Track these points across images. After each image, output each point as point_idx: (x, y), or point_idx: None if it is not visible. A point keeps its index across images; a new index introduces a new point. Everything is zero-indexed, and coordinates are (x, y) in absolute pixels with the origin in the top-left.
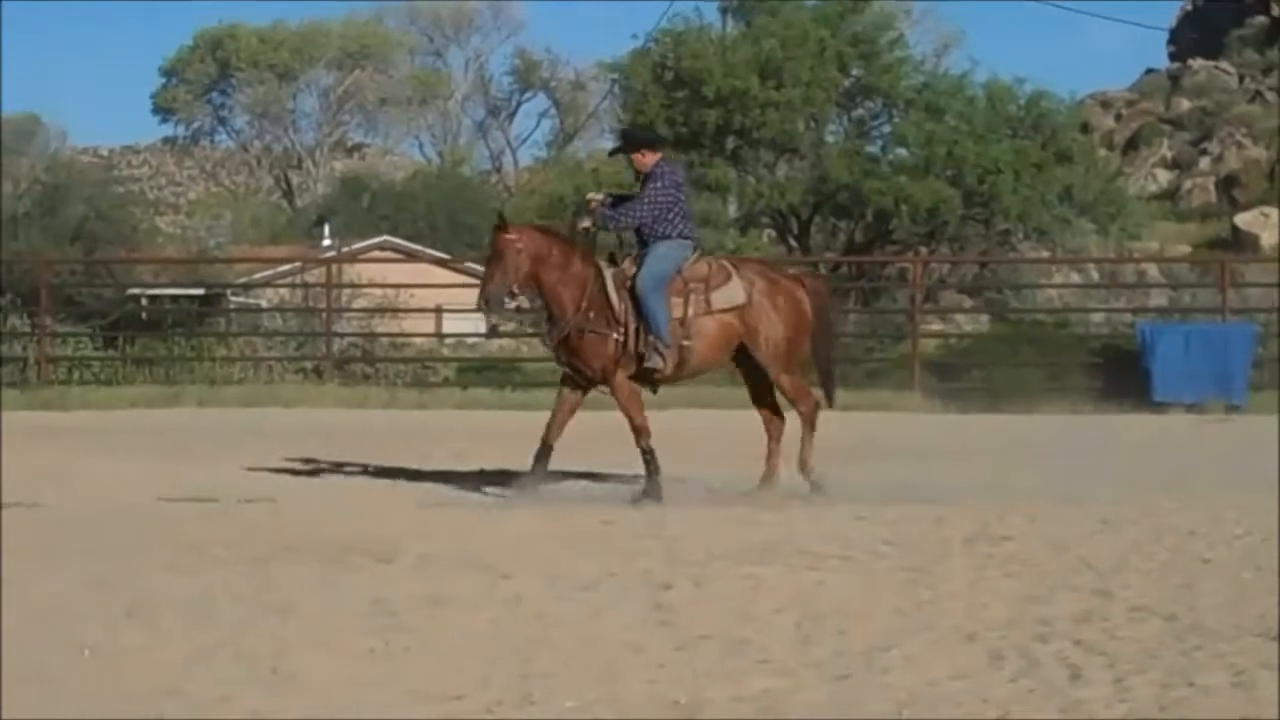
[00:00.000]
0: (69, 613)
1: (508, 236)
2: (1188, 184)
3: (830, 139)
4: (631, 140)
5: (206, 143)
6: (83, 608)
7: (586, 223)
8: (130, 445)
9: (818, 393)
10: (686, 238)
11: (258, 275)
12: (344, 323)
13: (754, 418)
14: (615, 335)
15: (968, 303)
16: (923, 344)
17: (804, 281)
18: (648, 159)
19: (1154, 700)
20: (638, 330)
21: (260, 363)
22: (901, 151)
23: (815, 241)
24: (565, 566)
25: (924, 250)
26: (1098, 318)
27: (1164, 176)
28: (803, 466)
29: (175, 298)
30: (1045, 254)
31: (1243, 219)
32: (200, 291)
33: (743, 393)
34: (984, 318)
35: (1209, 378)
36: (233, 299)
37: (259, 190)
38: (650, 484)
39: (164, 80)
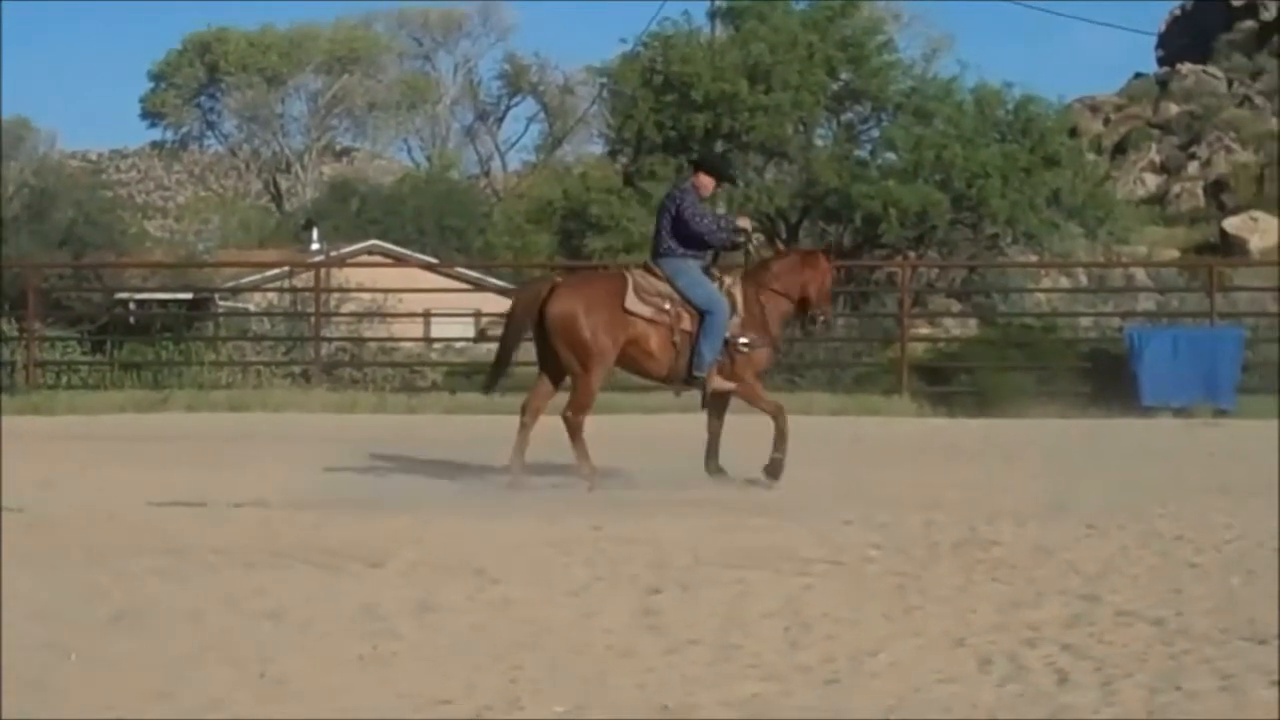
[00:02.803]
0: (57, 618)
1: None
2: (1176, 188)
3: (819, 143)
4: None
5: (195, 147)
6: (71, 613)
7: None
8: (118, 450)
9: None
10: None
11: (246, 279)
12: (332, 327)
13: (745, 421)
14: None
15: (956, 307)
16: (911, 348)
17: None
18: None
19: (1142, 705)
20: None
21: (248, 367)
22: (890, 156)
23: (804, 245)
24: (554, 571)
25: (912, 254)
26: (1086, 322)
27: (1152, 181)
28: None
29: (163, 302)
30: (1033, 258)
31: (1231, 223)
32: (188, 296)
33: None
34: (972, 322)
35: (1197, 382)
36: (221, 303)
37: (247, 194)
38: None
39: (152, 84)
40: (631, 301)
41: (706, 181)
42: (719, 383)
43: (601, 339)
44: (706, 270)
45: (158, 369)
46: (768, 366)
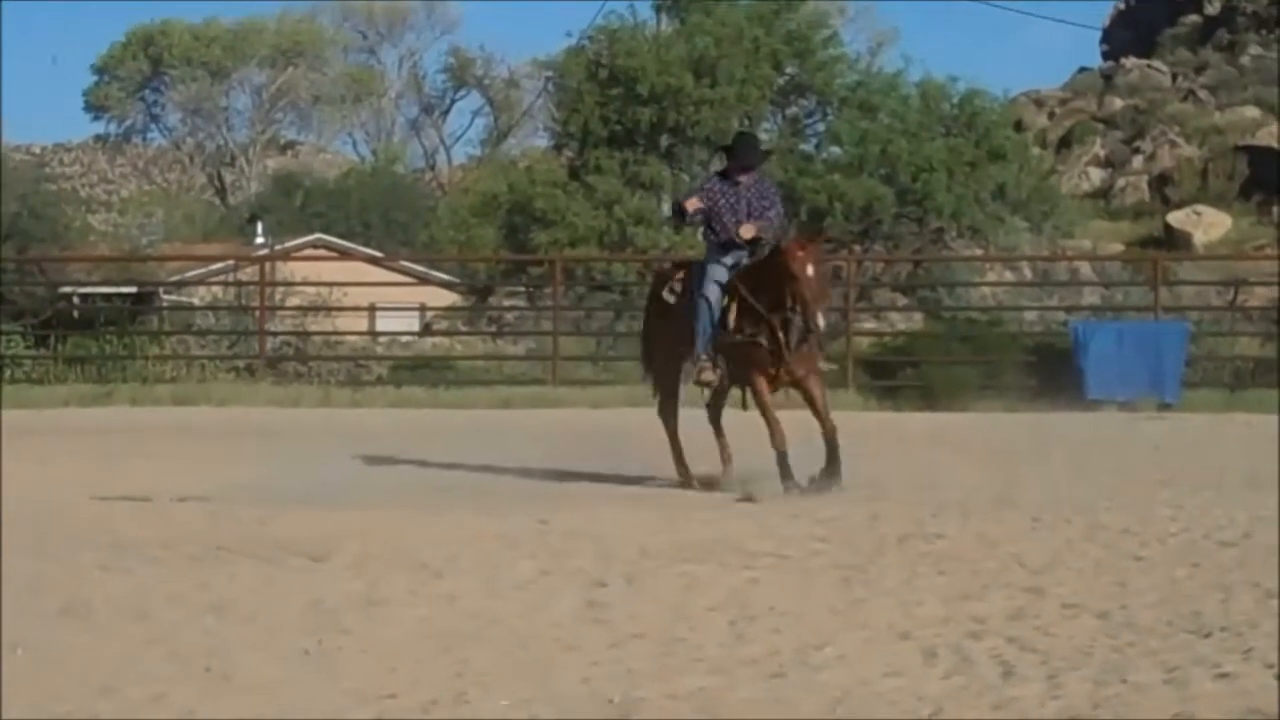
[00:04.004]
0: (2, 612)
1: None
2: (1120, 182)
3: (764, 136)
4: (755, 152)
5: (139, 140)
6: (16, 607)
7: (697, 202)
8: (63, 444)
9: None
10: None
11: (190, 273)
12: (277, 321)
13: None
14: None
15: (902, 301)
16: (857, 342)
17: None
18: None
19: (1087, 697)
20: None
21: (193, 361)
22: (835, 150)
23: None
24: (499, 565)
25: (858, 248)
26: (1031, 316)
27: (1097, 175)
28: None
29: (108, 296)
30: (979, 252)
31: (1175, 217)
32: (133, 290)
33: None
34: (918, 316)
35: (1142, 376)
36: (165, 297)
37: (192, 188)
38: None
39: (96, 78)
40: (666, 292)
41: (730, 165)
42: (704, 374)
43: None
44: (736, 265)
45: (102, 363)
46: (766, 366)
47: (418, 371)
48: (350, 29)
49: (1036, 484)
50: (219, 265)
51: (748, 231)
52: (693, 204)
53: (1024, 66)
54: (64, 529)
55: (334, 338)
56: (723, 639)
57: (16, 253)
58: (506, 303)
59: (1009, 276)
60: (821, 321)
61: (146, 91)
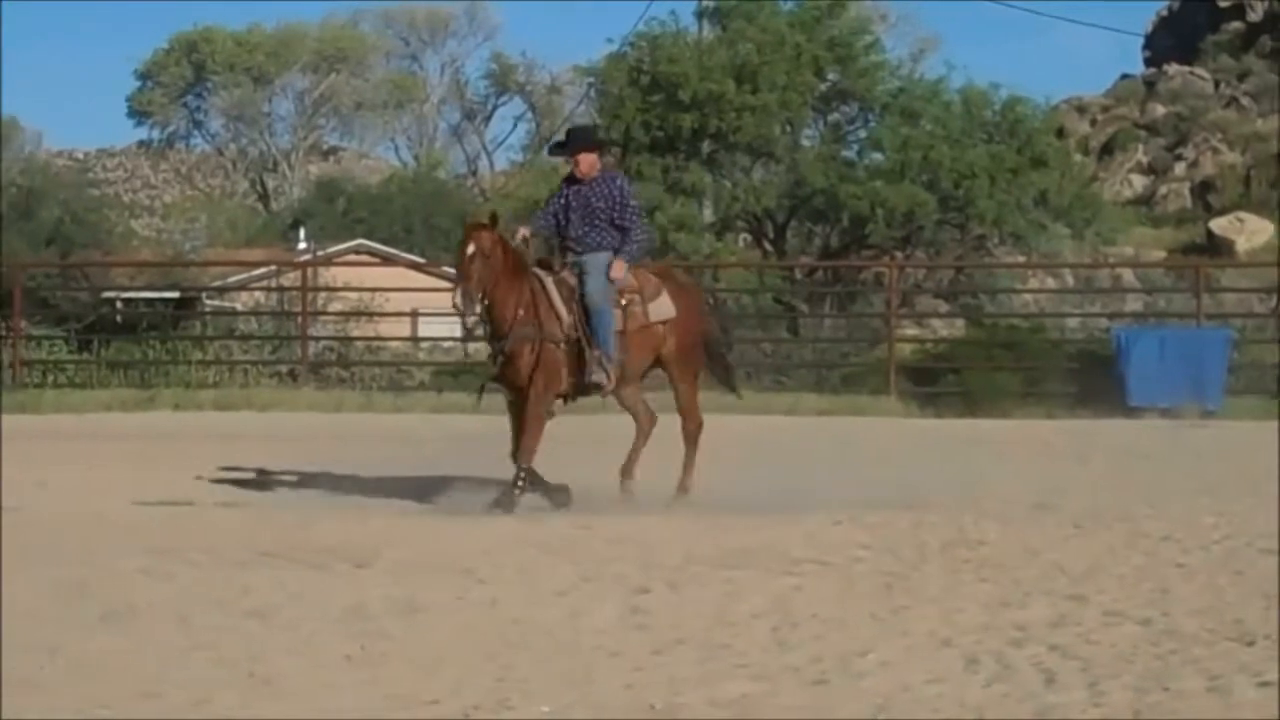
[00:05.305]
0: (44, 618)
1: (494, 236)
2: (1163, 189)
3: (806, 143)
4: (581, 140)
5: (182, 146)
6: (58, 612)
7: (526, 231)
8: (105, 449)
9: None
10: (613, 249)
11: (233, 278)
12: (319, 326)
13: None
14: (562, 347)
15: (943, 307)
16: (899, 348)
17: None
18: (594, 163)
19: (1129, 705)
20: (579, 343)
21: (235, 366)
22: (877, 156)
23: (791, 245)
24: (541, 571)
25: (900, 255)
26: (1073, 323)
27: (1139, 181)
28: (683, 484)
29: (150, 301)
30: (1020, 259)
31: (1218, 224)
32: (175, 295)
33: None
34: (960, 322)
35: (1184, 383)
36: (208, 302)
37: (234, 193)
38: (506, 496)
39: (139, 83)
40: None
41: (568, 160)
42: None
43: None
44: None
45: (144, 368)
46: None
47: (460, 377)
48: (392, 35)
49: (1078, 491)
50: (261, 270)
51: (617, 271)
52: (522, 233)
53: (1066, 73)
54: (106, 534)
55: (376, 343)
56: (765, 645)
57: (60, 258)
58: None
59: (1051, 283)
60: (457, 300)
61: (189, 97)
